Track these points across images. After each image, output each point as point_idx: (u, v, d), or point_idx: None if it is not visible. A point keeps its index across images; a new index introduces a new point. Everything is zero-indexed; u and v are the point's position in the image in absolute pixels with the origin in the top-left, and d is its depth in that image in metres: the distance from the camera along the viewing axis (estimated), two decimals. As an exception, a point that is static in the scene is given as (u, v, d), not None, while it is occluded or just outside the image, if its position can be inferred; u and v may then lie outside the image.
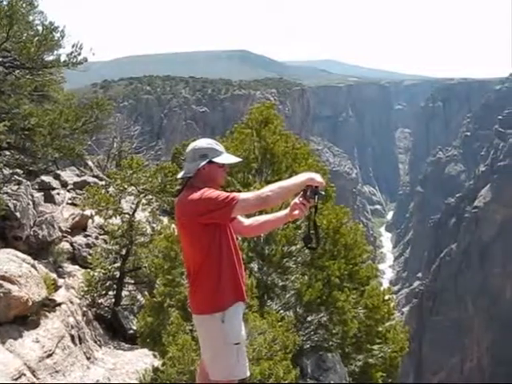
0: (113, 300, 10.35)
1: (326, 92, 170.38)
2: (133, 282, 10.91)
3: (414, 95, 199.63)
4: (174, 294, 7.25)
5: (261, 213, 4.12)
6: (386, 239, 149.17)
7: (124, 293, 10.62)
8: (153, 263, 8.21)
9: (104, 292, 10.22)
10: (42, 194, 12.52)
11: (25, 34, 8.99)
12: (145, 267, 9.98)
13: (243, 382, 3.59)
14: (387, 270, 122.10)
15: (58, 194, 13.94)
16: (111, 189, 10.99)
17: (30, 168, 11.03)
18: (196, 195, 3.37)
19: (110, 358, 8.57)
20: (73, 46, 9.06)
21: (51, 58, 9.28)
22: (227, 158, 3.60)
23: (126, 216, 10.49)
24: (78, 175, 17.18)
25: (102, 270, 10.17)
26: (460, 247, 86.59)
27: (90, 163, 19.65)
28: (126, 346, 9.39)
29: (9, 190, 9.75)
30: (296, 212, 3.42)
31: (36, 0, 9.30)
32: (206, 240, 3.41)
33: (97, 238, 12.13)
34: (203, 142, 3.61)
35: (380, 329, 9.06)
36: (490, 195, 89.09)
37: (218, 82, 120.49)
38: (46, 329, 7.09)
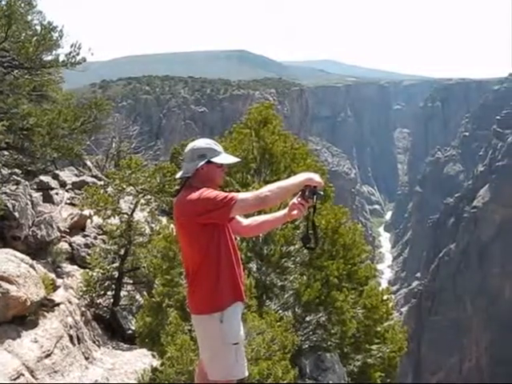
0: (111, 300, 10.35)
1: (324, 92, 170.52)
2: (131, 282, 10.90)
3: (413, 95, 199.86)
4: (173, 294, 7.24)
5: (259, 213, 4.12)
6: (385, 239, 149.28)
7: (123, 293, 10.61)
8: (151, 263, 8.20)
9: (103, 292, 10.21)
10: (41, 193, 12.53)
11: (23, 34, 8.99)
12: (143, 267, 9.96)
13: (242, 382, 3.59)
14: (386, 270, 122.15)
15: (57, 193, 13.93)
16: (110, 189, 10.99)
17: (29, 168, 11.04)
18: (194, 195, 3.37)
19: (109, 358, 8.57)
20: (71, 46, 9.06)
21: (50, 57, 9.29)
22: (226, 158, 3.60)
23: (125, 216, 10.48)
24: (76, 175, 17.17)
25: (101, 270, 10.16)
26: (459, 247, 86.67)
27: (88, 163, 19.64)
28: (125, 346, 9.39)
29: (7, 190, 9.75)
30: (295, 212, 3.42)
31: (34, 0, 9.31)
32: (204, 240, 3.41)
33: (95, 238, 12.13)
34: (202, 142, 3.61)
35: (379, 329, 9.06)
36: (488, 195, 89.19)
37: (216, 81, 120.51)
38: (45, 329, 7.08)
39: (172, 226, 7.80)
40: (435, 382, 74.61)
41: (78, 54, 9.16)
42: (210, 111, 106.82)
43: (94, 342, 8.78)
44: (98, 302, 10.18)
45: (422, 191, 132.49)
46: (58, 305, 7.76)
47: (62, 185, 15.14)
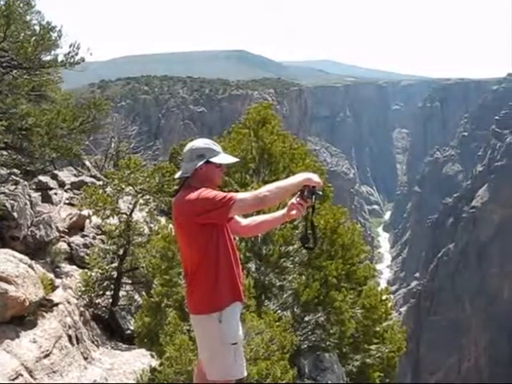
0: (110, 300, 10.34)
1: (323, 92, 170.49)
2: (130, 282, 10.89)
3: (412, 95, 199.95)
4: (172, 294, 7.24)
5: (258, 213, 4.12)
6: (384, 239, 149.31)
7: (121, 293, 10.60)
8: (150, 263, 8.19)
9: (101, 292, 10.20)
10: (40, 193, 12.53)
11: (22, 34, 9.00)
12: (142, 267, 9.95)
13: (240, 382, 3.59)
14: (385, 270, 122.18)
15: (56, 194, 13.93)
16: (109, 189, 10.98)
17: (28, 168, 11.03)
18: (193, 195, 3.37)
19: (108, 358, 8.56)
20: (70, 46, 9.06)
21: (48, 57, 9.30)
22: (224, 158, 3.60)
23: (124, 216, 10.48)
24: (75, 175, 17.17)
25: (100, 270, 10.15)
26: (457, 247, 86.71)
27: (87, 163, 19.64)
28: (124, 346, 9.38)
29: (6, 190, 9.74)
30: (293, 212, 3.42)
31: (33, 0, 9.31)
32: (203, 240, 3.42)
33: (94, 238, 12.11)
34: (200, 142, 3.61)
35: (377, 329, 9.06)
36: (487, 195, 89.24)
37: (215, 81, 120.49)
38: (44, 329, 7.07)
39: (171, 226, 7.80)
40: (434, 382, 74.63)
41: (76, 54, 9.17)
42: (209, 111, 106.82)
43: (93, 342, 8.77)
44: (97, 302, 10.17)
45: (421, 191, 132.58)
46: (56, 305, 7.76)
47: (61, 185, 15.13)
